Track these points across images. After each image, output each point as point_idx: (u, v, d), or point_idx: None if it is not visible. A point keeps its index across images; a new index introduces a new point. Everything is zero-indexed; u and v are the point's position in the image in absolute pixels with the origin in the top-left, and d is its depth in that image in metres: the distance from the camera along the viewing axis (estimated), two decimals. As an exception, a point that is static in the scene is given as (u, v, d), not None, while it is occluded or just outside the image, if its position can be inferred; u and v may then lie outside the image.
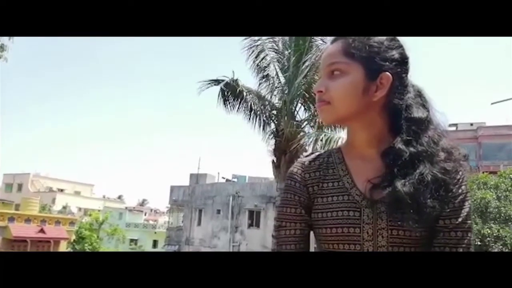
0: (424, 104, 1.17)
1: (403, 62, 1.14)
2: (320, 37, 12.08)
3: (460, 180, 1.10)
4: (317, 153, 1.26)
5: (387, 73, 1.11)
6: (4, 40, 8.32)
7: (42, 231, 23.82)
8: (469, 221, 1.09)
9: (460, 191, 1.09)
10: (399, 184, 1.04)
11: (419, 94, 1.19)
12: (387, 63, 1.11)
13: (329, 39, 1.20)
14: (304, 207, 1.17)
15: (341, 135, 11.39)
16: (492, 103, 19.79)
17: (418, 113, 1.14)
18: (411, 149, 1.09)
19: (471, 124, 29.77)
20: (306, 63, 11.62)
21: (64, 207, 47.60)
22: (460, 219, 1.07)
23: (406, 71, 1.15)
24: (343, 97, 1.11)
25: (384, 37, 1.14)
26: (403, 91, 1.14)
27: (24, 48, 79.75)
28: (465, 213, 1.08)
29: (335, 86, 1.12)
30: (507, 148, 26.06)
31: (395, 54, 1.13)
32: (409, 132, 1.11)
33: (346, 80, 1.11)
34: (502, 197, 12.92)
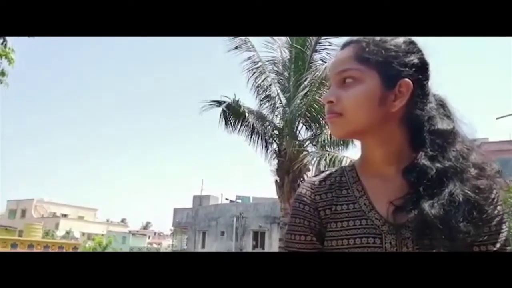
0: (448, 115, 1.03)
1: (423, 68, 1.01)
2: (320, 48, 12.11)
3: (495, 200, 0.94)
4: (327, 172, 1.11)
5: (407, 79, 0.98)
6: (5, 65, 8.26)
7: (44, 257, 23.64)
8: (508, 247, 0.94)
9: (495, 212, 0.94)
10: (426, 205, 0.89)
11: (442, 104, 1.05)
12: (406, 68, 0.98)
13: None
14: (316, 234, 1.02)
15: (345, 154, 11.29)
16: (497, 118, 19.52)
17: (442, 124, 1.00)
18: (438, 165, 0.94)
19: (474, 140, 29.60)
20: (306, 83, 11.55)
21: (68, 232, 47.28)
22: (498, 245, 0.92)
23: (427, 78, 1.02)
24: (357, 107, 0.98)
25: (401, 40, 1.01)
26: (424, 101, 1.01)
27: (23, 70, 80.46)
28: (503, 238, 0.93)
29: (348, 96, 0.98)
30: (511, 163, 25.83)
31: (414, 59, 1.00)
32: (433, 146, 0.97)
33: (360, 89, 0.98)
34: (510, 212, 12.73)
